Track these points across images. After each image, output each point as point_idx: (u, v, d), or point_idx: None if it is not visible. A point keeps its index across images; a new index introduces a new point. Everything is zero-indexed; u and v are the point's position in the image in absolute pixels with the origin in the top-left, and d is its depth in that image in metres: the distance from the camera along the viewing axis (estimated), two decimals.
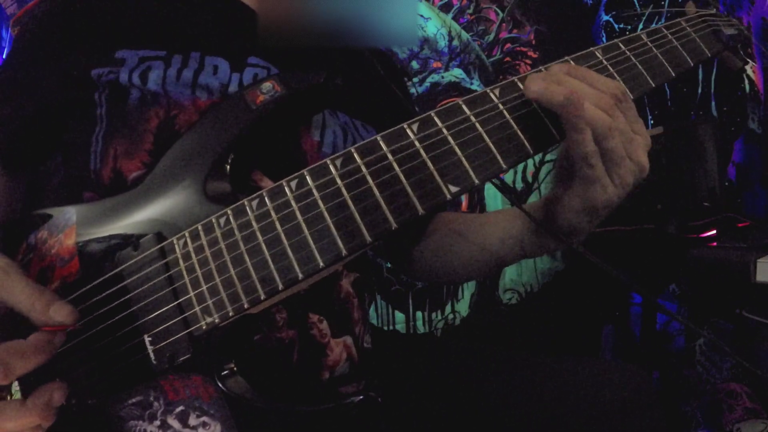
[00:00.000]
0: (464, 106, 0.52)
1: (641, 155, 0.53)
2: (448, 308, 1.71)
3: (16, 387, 0.50)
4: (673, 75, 0.62)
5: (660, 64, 0.62)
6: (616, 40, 0.60)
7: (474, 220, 0.80)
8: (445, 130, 0.51)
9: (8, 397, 0.49)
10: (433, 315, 1.69)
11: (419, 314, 1.67)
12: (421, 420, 0.72)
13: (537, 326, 1.79)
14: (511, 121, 0.52)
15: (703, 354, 1.93)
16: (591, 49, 0.58)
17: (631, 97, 0.56)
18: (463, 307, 1.73)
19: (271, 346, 0.62)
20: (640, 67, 0.59)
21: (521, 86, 0.53)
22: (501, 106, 0.52)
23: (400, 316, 1.65)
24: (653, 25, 0.65)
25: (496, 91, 0.53)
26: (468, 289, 1.74)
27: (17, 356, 0.44)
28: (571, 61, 0.57)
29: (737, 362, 1.83)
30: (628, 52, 0.60)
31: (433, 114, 0.51)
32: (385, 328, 1.61)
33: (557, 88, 0.51)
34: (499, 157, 0.50)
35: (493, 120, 0.52)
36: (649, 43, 0.62)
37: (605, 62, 0.58)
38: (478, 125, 0.51)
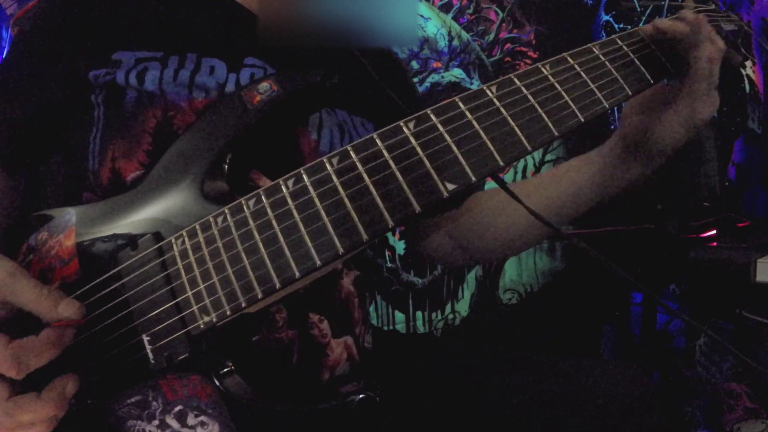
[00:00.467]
0: (460, 103, 0.52)
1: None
2: (448, 308, 1.71)
3: None
4: (672, 71, 0.62)
5: (657, 59, 0.61)
6: (614, 36, 0.60)
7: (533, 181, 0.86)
8: (441, 127, 0.50)
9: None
10: (433, 315, 1.69)
11: (419, 314, 1.67)
12: (421, 420, 0.72)
13: (537, 326, 1.78)
14: (508, 117, 0.51)
15: (703, 354, 1.93)
16: (588, 45, 0.58)
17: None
18: (463, 307, 1.73)
19: (270, 347, 0.62)
20: (637, 62, 0.59)
21: (518, 82, 0.53)
22: (498, 103, 0.52)
23: (400, 316, 1.65)
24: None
25: (493, 88, 0.53)
26: (468, 289, 1.74)
27: (31, 351, 0.46)
28: (570, 58, 0.57)
29: (738, 361, 1.83)
30: (625, 48, 0.60)
31: (429, 111, 0.51)
32: (385, 328, 1.61)
33: (682, 22, 0.61)
34: (496, 154, 0.50)
35: (490, 116, 0.51)
36: (647, 39, 0.62)
37: (602, 58, 0.58)
38: (474, 122, 0.51)
